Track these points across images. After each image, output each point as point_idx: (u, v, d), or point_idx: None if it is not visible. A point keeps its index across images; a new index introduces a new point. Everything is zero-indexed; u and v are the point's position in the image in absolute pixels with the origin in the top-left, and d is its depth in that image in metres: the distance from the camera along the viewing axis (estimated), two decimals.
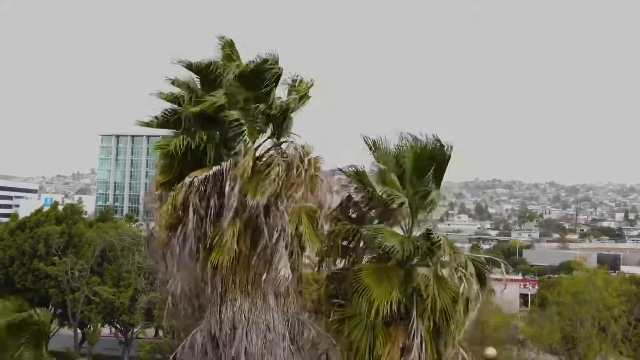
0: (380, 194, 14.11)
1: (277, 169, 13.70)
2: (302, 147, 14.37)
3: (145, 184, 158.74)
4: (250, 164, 13.77)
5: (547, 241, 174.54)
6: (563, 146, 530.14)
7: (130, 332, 49.53)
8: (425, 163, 14.35)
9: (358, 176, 14.84)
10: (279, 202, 13.82)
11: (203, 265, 13.71)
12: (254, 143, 14.41)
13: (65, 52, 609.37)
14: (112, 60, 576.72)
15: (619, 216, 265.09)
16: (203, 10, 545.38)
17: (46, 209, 52.36)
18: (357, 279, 13.63)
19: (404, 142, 14.92)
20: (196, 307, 14.64)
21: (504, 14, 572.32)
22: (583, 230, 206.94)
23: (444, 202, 15.96)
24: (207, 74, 14.42)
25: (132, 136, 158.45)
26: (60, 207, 54.17)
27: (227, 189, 13.48)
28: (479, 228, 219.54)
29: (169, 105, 14.80)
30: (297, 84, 14.87)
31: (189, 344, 13.91)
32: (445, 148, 14.43)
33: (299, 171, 13.93)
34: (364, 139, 14.99)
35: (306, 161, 14.13)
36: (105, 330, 52.35)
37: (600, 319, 39.64)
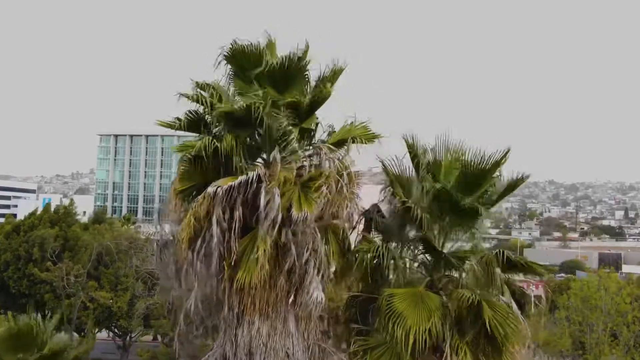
0: (420, 212, 12.52)
1: (330, 182, 12.53)
2: (340, 160, 13.11)
3: (144, 184, 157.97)
4: (294, 174, 12.59)
5: (548, 240, 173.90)
6: (562, 144, 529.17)
7: (128, 337, 48.81)
8: (473, 180, 12.85)
9: (400, 181, 13.12)
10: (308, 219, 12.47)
11: (225, 284, 12.59)
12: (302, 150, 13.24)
13: (64, 52, 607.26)
14: (112, 60, 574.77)
15: (619, 214, 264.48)
16: (203, 10, 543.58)
17: (41, 210, 51.50)
18: (389, 303, 12.01)
19: (445, 149, 13.25)
20: (209, 329, 13.71)
21: (503, 13, 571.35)
22: (583, 228, 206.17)
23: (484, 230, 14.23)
24: (246, 63, 13.08)
25: (131, 136, 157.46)
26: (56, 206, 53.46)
27: (262, 200, 12.18)
28: None
29: (190, 107, 13.51)
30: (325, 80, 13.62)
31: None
32: (498, 168, 12.85)
33: (339, 186, 12.72)
34: (405, 139, 13.21)
35: (345, 176, 12.96)
36: (104, 333, 51.68)
37: (612, 324, 39.01)
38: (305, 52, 13.27)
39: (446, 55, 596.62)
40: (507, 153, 12.91)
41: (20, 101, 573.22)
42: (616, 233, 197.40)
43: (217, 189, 12.27)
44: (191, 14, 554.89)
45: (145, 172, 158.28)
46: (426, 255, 13.36)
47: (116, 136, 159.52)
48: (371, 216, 13.68)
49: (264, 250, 12.19)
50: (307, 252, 12.41)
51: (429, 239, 12.99)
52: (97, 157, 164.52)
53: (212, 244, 12.24)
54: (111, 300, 45.36)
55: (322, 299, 12.32)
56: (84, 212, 78.42)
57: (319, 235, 12.55)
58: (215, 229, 12.27)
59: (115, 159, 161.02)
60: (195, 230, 12.42)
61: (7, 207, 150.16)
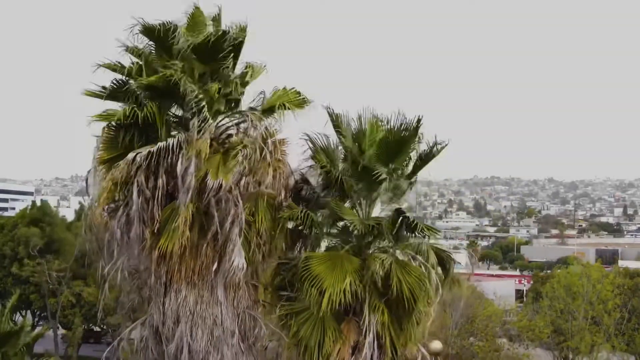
0: (341, 175, 12.95)
1: (246, 150, 12.55)
2: (266, 128, 13.13)
3: None
4: (208, 142, 12.49)
5: (546, 237, 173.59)
6: (562, 142, 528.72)
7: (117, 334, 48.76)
8: (394, 148, 13.09)
9: (325, 152, 13.38)
10: (232, 187, 12.59)
11: (148, 252, 12.52)
12: (213, 120, 13.11)
13: (64, 52, 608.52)
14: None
15: (618, 211, 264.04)
16: None
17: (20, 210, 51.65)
18: (307, 266, 12.31)
19: (372, 119, 13.46)
20: (141, 301, 13.54)
21: (502, 11, 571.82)
22: (582, 225, 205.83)
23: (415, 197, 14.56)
24: (163, 39, 12.98)
25: None
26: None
27: (179, 167, 12.23)
28: (477, 225, 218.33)
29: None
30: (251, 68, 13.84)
31: (127, 337, 12.89)
32: (417, 134, 13.11)
33: (263, 154, 12.72)
34: (327, 111, 13.45)
35: (270, 143, 12.97)
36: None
37: (594, 312, 39.02)
38: (242, 29, 13.39)
39: (446, 49, 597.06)
40: (420, 119, 13.09)
41: (18, 105, 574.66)
42: (614, 230, 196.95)
43: (136, 155, 12.29)
44: None
45: None
46: (346, 221, 13.44)
47: None
48: (298, 186, 13.78)
49: (185, 218, 12.17)
50: (229, 219, 12.36)
51: (347, 212, 13.22)
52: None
53: (132, 210, 12.21)
54: (97, 298, 45.29)
55: (243, 265, 12.28)
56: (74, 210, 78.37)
57: (241, 202, 12.51)
58: (135, 195, 12.26)
59: None
60: (117, 197, 12.48)
61: (5, 209, 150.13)
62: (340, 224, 13.64)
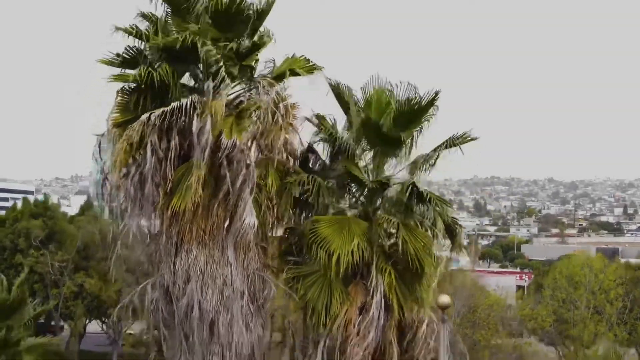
0: (347, 141, 13.14)
1: (259, 111, 12.71)
2: (277, 93, 13.24)
3: None
4: (224, 102, 12.66)
5: (546, 236, 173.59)
6: (562, 142, 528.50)
7: (119, 328, 48.93)
8: (408, 117, 13.19)
9: (329, 125, 13.66)
10: (244, 148, 12.73)
11: (161, 212, 12.70)
12: (232, 82, 13.32)
13: (65, 52, 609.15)
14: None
15: (618, 211, 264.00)
16: None
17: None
18: (315, 230, 12.52)
19: (381, 89, 13.57)
20: (151, 268, 13.65)
21: (502, 11, 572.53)
22: (582, 225, 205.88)
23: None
24: (181, 2, 13.09)
25: None
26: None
27: (194, 125, 12.36)
28: (477, 224, 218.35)
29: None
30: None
31: (138, 296, 12.97)
32: (424, 102, 13.12)
33: (275, 117, 12.85)
34: (329, 82, 13.72)
35: (282, 107, 13.07)
36: (96, 327, 51.82)
37: (596, 301, 39.14)
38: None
39: (447, 45, 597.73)
40: (437, 93, 13.17)
41: (18, 105, 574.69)
42: (614, 229, 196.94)
43: (150, 115, 12.43)
44: None
45: None
46: (353, 185, 13.68)
47: None
48: (305, 155, 14.05)
49: (198, 177, 12.31)
50: (240, 178, 12.50)
51: (356, 170, 13.33)
52: (93, 156, 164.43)
53: (145, 169, 12.38)
54: (100, 290, 45.57)
55: (254, 223, 12.43)
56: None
57: (252, 163, 12.67)
58: (149, 154, 12.42)
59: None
60: (131, 162, 12.66)
61: (5, 208, 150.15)
62: (348, 194, 13.77)
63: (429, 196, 13.02)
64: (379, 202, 13.52)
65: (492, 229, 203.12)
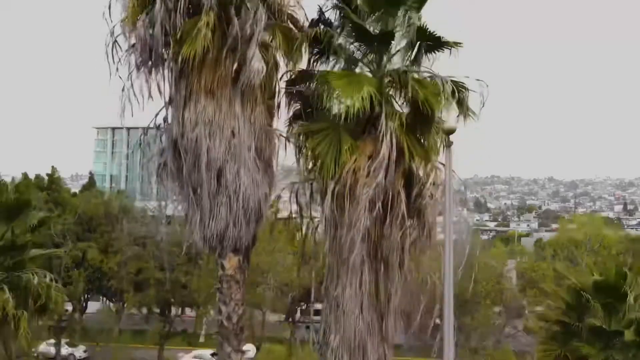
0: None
1: None
2: None
3: (142, 175, 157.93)
4: None
5: (546, 231, 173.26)
6: (562, 141, 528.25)
7: (121, 302, 49.17)
8: None
9: None
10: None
11: (171, 60, 12.87)
12: None
13: (65, 52, 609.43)
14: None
15: (618, 208, 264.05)
16: None
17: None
18: (325, 81, 12.48)
19: None
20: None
21: (503, 11, 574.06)
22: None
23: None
24: None
25: (128, 128, 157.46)
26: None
27: None
28: (477, 220, 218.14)
29: None
30: None
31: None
32: None
33: None
34: None
35: None
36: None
37: (596, 258, 39.26)
38: None
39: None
40: None
41: (17, 103, 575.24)
42: (614, 224, 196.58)
43: None
44: None
45: (142, 164, 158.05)
46: (363, 44, 13.61)
47: (113, 129, 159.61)
48: (314, 24, 13.87)
49: (207, 22, 12.46)
50: (249, 26, 12.60)
51: (365, 26, 13.23)
52: (94, 150, 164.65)
53: (154, 11, 12.53)
54: (101, 262, 45.87)
55: (262, 68, 12.53)
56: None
57: (261, 9, 12.77)
58: (158, 2, 12.60)
59: (112, 152, 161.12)
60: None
61: None
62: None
63: (440, 38, 13.09)
64: (385, 57, 13.46)
65: (492, 224, 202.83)
